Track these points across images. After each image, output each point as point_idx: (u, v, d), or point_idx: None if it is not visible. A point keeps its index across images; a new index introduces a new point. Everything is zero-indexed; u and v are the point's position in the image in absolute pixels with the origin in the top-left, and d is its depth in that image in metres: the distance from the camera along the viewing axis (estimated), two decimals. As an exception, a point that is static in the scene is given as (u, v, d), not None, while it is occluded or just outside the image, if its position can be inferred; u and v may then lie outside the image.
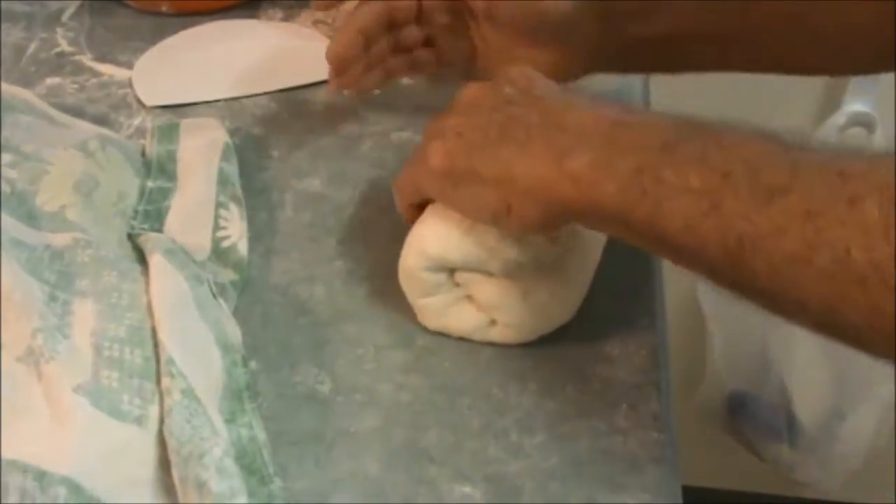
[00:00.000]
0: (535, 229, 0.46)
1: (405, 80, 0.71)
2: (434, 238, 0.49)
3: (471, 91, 0.49)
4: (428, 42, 0.62)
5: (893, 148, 1.00)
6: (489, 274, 0.49)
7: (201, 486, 0.40)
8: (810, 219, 0.35)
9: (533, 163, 0.43)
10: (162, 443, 0.42)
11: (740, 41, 0.57)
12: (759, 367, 1.18)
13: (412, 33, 0.61)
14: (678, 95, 0.94)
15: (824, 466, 1.20)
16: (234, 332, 0.49)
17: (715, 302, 1.16)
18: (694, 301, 1.15)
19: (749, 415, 1.21)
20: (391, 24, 0.60)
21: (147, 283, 0.48)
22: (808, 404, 1.18)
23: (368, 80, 0.62)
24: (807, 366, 1.16)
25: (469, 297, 0.51)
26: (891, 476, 1.23)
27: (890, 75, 1.07)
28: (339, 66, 0.59)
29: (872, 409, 1.18)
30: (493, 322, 0.50)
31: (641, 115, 0.46)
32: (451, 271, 0.50)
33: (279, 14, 0.80)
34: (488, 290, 0.50)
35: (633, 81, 0.72)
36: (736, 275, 0.38)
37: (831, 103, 1.11)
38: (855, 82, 1.08)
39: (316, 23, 0.79)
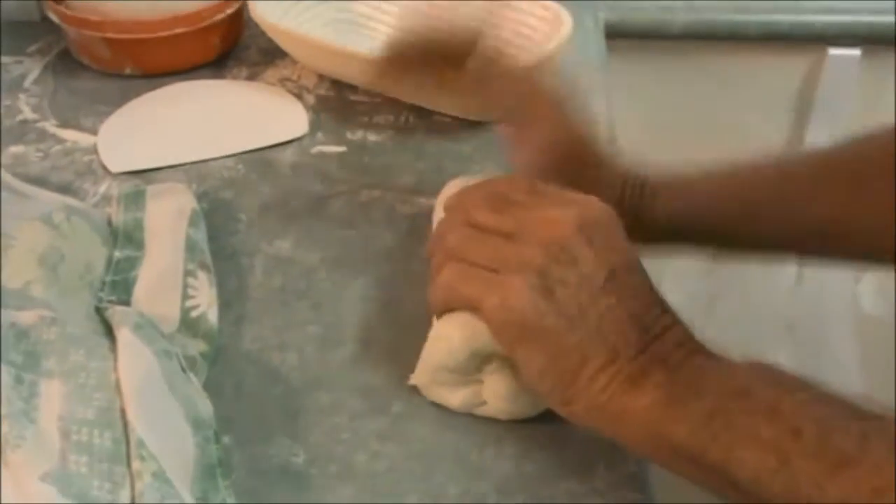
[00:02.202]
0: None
1: (373, 138, 0.72)
2: (464, 339, 0.47)
3: (541, 215, 0.46)
4: None
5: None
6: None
7: (175, 571, 0.39)
8: (878, 495, 0.35)
9: (600, 367, 0.43)
10: (134, 527, 0.41)
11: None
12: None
13: None
14: (643, 131, 0.94)
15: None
16: (206, 407, 0.48)
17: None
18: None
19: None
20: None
21: (115, 360, 0.47)
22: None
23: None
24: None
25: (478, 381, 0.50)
26: None
27: (848, 116, 1.09)
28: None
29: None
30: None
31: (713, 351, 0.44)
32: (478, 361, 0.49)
33: (244, 73, 0.80)
34: (502, 379, 0.49)
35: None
36: None
37: (795, 141, 1.13)
38: (815, 121, 1.10)
39: (281, 80, 0.79)
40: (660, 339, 0.43)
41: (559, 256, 0.44)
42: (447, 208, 0.51)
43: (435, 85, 0.65)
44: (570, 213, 0.45)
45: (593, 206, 0.46)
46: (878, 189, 0.53)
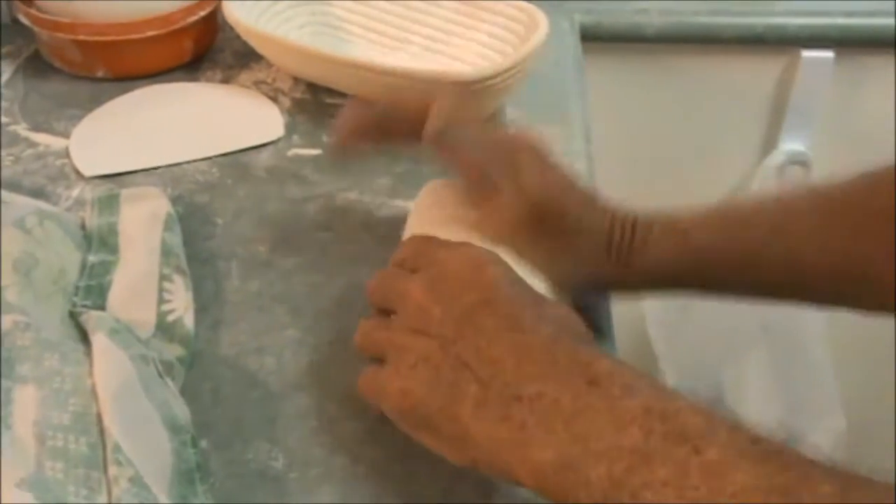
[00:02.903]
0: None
1: (348, 140, 0.71)
2: None
3: (401, 289, 0.46)
4: None
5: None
6: None
7: (153, 578, 0.39)
8: None
9: (493, 438, 0.40)
10: (111, 534, 0.40)
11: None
12: (711, 405, 1.18)
13: None
14: (619, 134, 0.95)
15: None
16: (183, 412, 0.47)
17: (666, 341, 1.17)
18: (646, 341, 1.16)
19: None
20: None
21: (91, 365, 0.47)
22: (761, 428, 1.19)
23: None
24: (759, 401, 1.18)
25: None
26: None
27: (822, 118, 1.10)
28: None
29: (824, 439, 1.19)
30: None
31: (607, 388, 0.39)
32: None
33: (218, 76, 0.80)
34: None
35: (574, 122, 0.73)
36: None
37: (769, 143, 1.14)
38: (790, 123, 1.11)
39: (256, 83, 0.78)
40: (518, 369, 0.40)
41: (416, 327, 0.44)
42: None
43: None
44: (423, 276, 0.45)
45: (449, 259, 0.45)
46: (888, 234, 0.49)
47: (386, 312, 0.47)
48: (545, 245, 0.52)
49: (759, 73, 1.09)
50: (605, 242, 0.52)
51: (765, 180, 1.13)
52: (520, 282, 0.45)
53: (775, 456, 0.35)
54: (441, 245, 0.48)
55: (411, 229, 0.56)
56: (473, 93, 0.69)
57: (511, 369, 0.40)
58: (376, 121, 0.56)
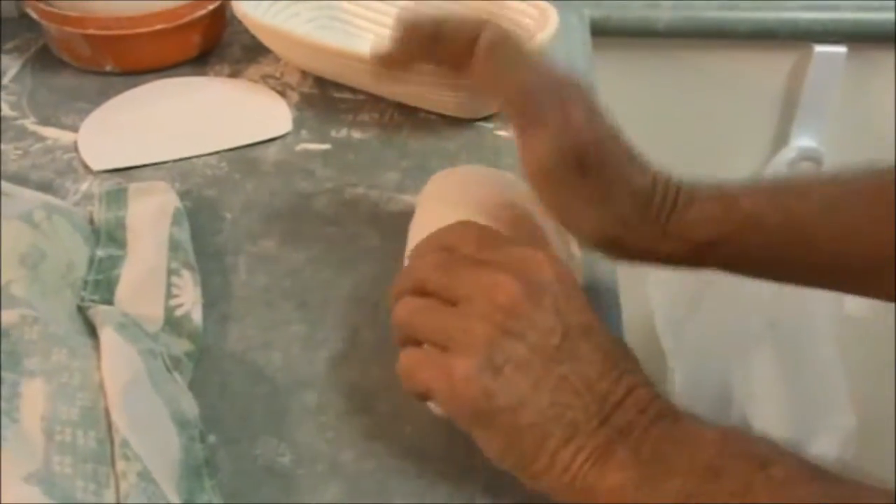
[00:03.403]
0: None
1: (357, 135, 0.71)
2: None
3: (488, 280, 0.42)
4: None
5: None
6: None
7: (161, 574, 0.39)
8: None
9: (560, 445, 0.40)
10: (119, 529, 0.40)
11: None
12: (719, 401, 1.18)
13: None
14: (628, 129, 0.93)
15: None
16: (191, 407, 0.47)
17: (674, 337, 1.16)
18: (654, 337, 1.15)
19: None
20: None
21: (99, 360, 0.47)
22: (770, 427, 1.18)
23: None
24: (767, 398, 1.17)
25: None
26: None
27: (834, 114, 1.10)
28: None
29: (833, 438, 1.19)
30: None
31: (683, 411, 0.41)
32: None
33: (226, 70, 0.79)
34: None
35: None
36: None
37: (781, 139, 1.13)
38: (801, 118, 1.10)
39: (264, 77, 0.78)
40: (620, 406, 0.40)
41: (507, 327, 0.41)
42: (407, 265, 0.48)
43: (438, 77, 0.64)
44: (516, 275, 0.42)
45: (542, 264, 0.43)
46: None
47: (426, 296, 0.44)
48: (580, 192, 0.49)
49: (770, 68, 1.08)
50: (645, 201, 0.49)
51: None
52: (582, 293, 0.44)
53: (833, 476, 0.37)
54: (509, 241, 0.46)
55: (418, 221, 0.56)
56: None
57: (614, 403, 0.40)
58: (426, 37, 0.51)
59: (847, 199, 0.49)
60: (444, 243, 0.47)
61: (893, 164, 0.48)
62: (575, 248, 0.56)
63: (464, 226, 0.48)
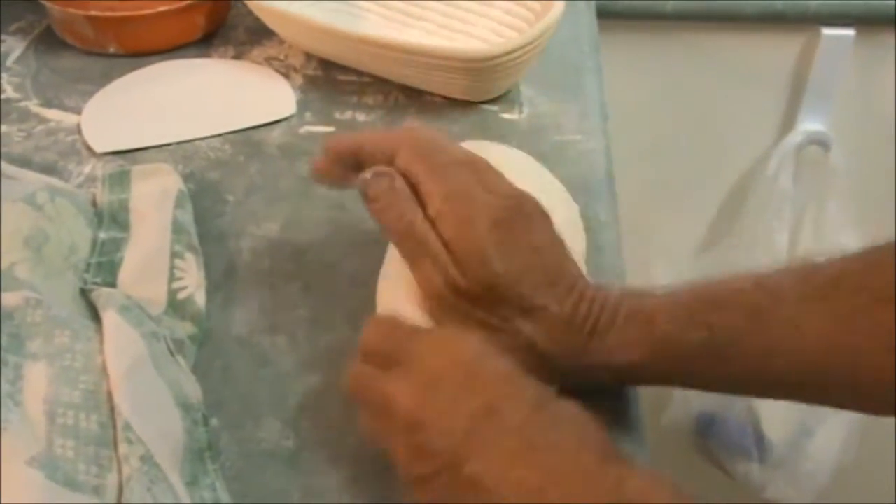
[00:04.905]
0: None
1: (361, 118, 0.71)
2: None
3: (404, 394, 0.40)
4: None
5: (849, 165, 1.00)
6: None
7: (164, 557, 0.38)
8: None
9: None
10: (122, 512, 0.40)
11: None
12: (721, 397, 1.18)
13: None
14: (636, 112, 0.93)
15: (794, 483, 1.21)
16: (194, 390, 0.47)
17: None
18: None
19: (717, 435, 1.21)
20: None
21: (101, 343, 0.46)
22: (775, 422, 1.18)
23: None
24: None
25: None
26: (858, 491, 1.24)
27: (842, 98, 1.09)
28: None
29: (839, 425, 1.19)
30: None
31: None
32: None
33: (230, 52, 0.79)
34: None
35: (591, 93, 0.72)
36: None
37: (788, 123, 1.13)
38: (809, 102, 1.09)
39: (268, 60, 0.78)
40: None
41: (411, 444, 0.40)
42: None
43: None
44: (402, 381, 0.41)
45: (428, 354, 0.42)
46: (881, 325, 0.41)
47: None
48: (488, 324, 0.46)
49: (778, 51, 1.08)
50: (566, 325, 0.46)
51: (783, 160, 1.12)
52: (516, 370, 0.41)
53: None
54: (413, 334, 0.44)
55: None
56: (488, 70, 0.68)
57: (535, 491, 0.37)
58: (349, 156, 0.51)
59: (768, 308, 0.44)
60: (365, 348, 0.45)
61: (817, 262, 0.45)
62: (578, 246, 0.55)
63: (374, 324, 0.46)
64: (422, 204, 0.47)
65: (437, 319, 0.48)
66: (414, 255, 0.47)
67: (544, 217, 0.48)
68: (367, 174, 0.48)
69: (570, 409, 0.40)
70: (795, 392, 0.46)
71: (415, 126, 0.52)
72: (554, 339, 0.46)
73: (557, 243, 0.48)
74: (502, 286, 0.45)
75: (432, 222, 0.47)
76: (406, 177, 0.48)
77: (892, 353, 0.41)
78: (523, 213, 0.47)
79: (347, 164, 0.51)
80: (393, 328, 0.45)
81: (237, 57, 0.78)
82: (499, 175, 0.49)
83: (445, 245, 0.46)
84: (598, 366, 0.46)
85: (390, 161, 0.49)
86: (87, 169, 0.65)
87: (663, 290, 0.48)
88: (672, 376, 0.47)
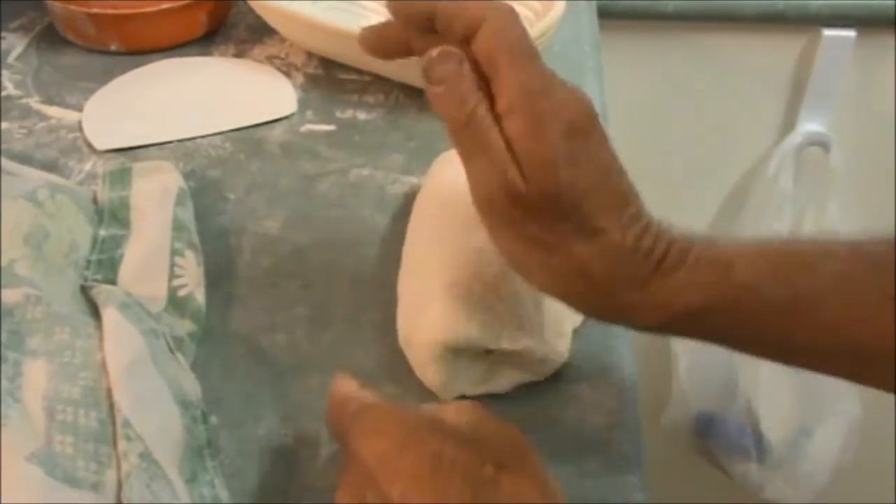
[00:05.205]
0: None
1: (362, 116, 0.71)
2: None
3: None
4: None
5: (849, 166, 1.00)
6: None
7: (162, 554, 0.38)
8: None
9: None
10: (120, 509, 0.40)
11: None
12: (725, 388, 1.18)
13: None
14: (636, 112, 0.93)
15: (793, 483, 1.21)
16: (193, 388, 0.47)
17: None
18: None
19: (716, 435, 1.22)
20: None
21: (101, 339, 0.47)
22: (774, 422, 1.18)
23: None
24: (772, 385, 1.17)
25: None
26: (857, 492, 1.24)
27: (842, 99, 1.09)
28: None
29: (838, 425, 1.19)
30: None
31: None
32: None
33: (232, 50, 0.79)
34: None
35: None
36: None
37: (788, 124, 1.13)
38: (809, 103, 1.09)
39: (270, 58, 0.78)
40: None
41: None
42: None
43: None
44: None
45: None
46: None
47: None
48: (540, 240, 0.42)
49: (778, 51, 1.08)
50: (627, 255, 0.42)
51: (783, 161, 1.12)
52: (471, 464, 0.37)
53: None
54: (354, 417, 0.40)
55: (422, 202, 0.56)
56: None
57: None
58: (420, 20, 0.44)
59: (861, 273, 0.41)
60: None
61: None
62: None
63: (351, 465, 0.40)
64: (491, 98, 0.41)
65: (488, 227, 0.43)
66: (470, 150, 0.42)
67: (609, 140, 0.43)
68: (434, 52, 0.41)
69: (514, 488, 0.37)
70: (863, 370, 0.43)
71: (504, 3, 0.43)
72: (611, 268, 0.42)
73: (624, 169, 0.43)
74: (566, 199, 0.41)
75: (498, 118, 0.41)
76: (480, 64, 0.42)
77: None
78: (600, 125, 0.42)
79: (417, 29, 0.45)
80: (339, 408, 0.41)
81: (238, 55, 0.78)
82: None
83: (509, 144, 0.41)
84: (657, 305, 0.42)
85: (468, 36, 0.42)
86: (87, 166, 0.65)
87: (744, 240, 0.44)
88: (733, 332, 0.43)
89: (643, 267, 0.42)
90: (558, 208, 0.41)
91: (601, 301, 0.43)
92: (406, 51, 0.46)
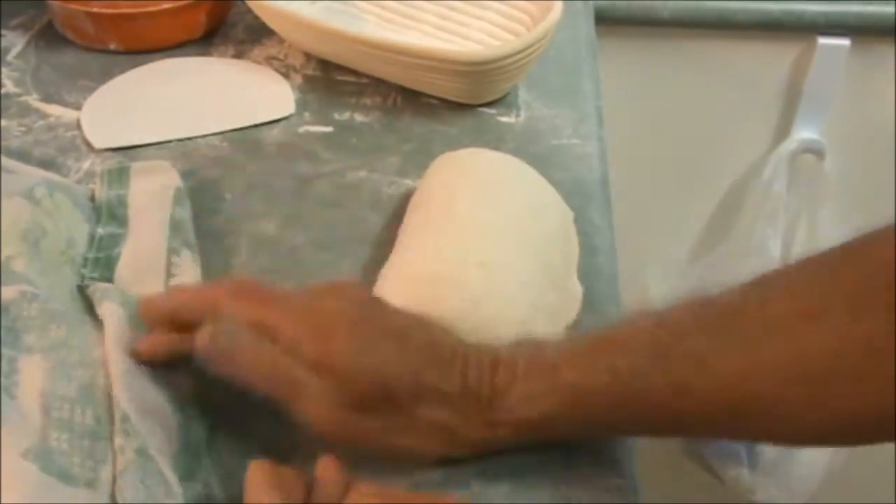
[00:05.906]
0: None
1: (360, 118, 0.71)
2: None
3: None
4: None
5: (843, 174, 1.00)
6: None
7: (156, 550, 0.39)
8: None
9: None
10: (114, 505, 0.41)
11: None
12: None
13: None
14: (632, 118, 0.94)
15: (784, 488, 1.21)
16: (190, 387, 0.47)
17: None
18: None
19: (708, 439, 1.22)
20: None
21: (98, 336, 0.47)
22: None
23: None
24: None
25: None
26: (848, 496, 1.24)
27: (836, 106, 1.09)
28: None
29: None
30: None
31: None
32: None
33: (231, 50, 0.79)
34: None
35: (588, 111, 0.73)
36: None
37: (783, 131, 1.13)
38: (803, 110, 1.10)
39: (268, 59, 0.78)
40: None
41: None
42: None
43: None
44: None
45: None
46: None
47: None
48: (382, 425, 0.45)
49: (773, 59, 1.08)
50: (459, 404, 0.44)
51: (778, 167, 1.13)
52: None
53: None
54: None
55: (418, 203, 0.56)
56: (486, 73, 0.68)
57: None
58: (165, 317, 0.47)
59: (672, 345, 0.43)
60: None
61: (710, 295, 0.44)
62: (571, 253, 0.56)
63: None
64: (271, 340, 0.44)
65: (346, 446, 0.45)
66: (290, 395, 0.44)
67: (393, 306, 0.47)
68: (205, 333, 0.44)
69: None
70: (708, 429, 0.46)
71: (226, 278, 0.51)
72: (456, 414, 0.44)
73: (422, 321, 0.46)
74: (388, 378, 0.43)
75: (289, 353, 0.44)
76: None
77: (792, 384, 0.41)
78: (375, 305, 0.47)
79: (164, 324, 0.47)
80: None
81: (237, 56, 0.79)
82: (328, 288, 0.47)
83: (314, 368, 0.43)
84: (507, 424, 0.45)
85: (214, 314, 0.45)
86: (86, 165, 0.65)
87: (561, 338, 0.48)
88: (584, 425, 0.45)
89: (480, 400, 0.44)
90: (388, 391, 0.44)
91: (466, 444, 0.46)
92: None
